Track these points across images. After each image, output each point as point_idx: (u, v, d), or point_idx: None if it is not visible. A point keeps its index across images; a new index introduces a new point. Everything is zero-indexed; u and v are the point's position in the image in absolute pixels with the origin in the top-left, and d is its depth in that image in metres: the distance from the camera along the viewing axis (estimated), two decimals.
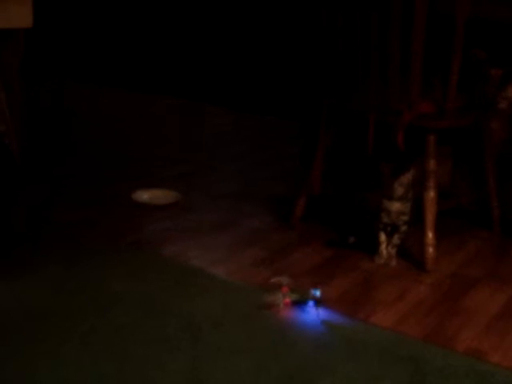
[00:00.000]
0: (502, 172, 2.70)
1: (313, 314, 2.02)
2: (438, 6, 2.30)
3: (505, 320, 2.07)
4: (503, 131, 2.68)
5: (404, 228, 2.40)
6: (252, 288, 2.17)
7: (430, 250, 2.39)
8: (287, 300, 2.05)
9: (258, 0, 4.56)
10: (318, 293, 2.05)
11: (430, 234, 2.39)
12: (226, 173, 3.39)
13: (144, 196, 2.92)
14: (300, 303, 2.05)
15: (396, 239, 2.42)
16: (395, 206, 2.36)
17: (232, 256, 2.42)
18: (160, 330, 1.87)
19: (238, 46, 4.73)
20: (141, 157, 3.58)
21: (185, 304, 2.03)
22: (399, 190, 2.33)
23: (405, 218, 2.38)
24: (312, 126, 2.90)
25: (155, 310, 1.99)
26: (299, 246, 2.54)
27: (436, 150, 2.38)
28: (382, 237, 2.42)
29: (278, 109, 4.53)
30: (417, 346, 1.89)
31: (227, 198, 3.01)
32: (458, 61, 2.32)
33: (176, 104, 4.92)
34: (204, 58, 4.93)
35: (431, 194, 2.38)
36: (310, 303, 2.04)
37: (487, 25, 2.57)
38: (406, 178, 2.33)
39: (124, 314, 1.95)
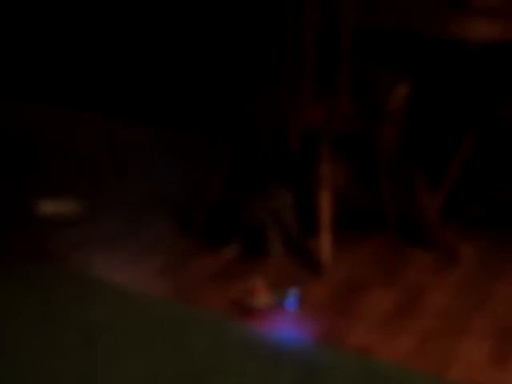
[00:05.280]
0: (396, 175, 2.74)
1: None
2: (328, 16, 2.34)
3: (395, 319, 2.13)
4: (394, 138, 2.74)
5: (288, 222, 2.48)
6: (152, 297, 2.18)
7: (326, 251, 2.38)
8: (266, 302, 2.09)
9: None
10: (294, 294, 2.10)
11: (326, 236, 2.38)
12: (133, 183, 3.25)
13: (45, 208, 2.79)
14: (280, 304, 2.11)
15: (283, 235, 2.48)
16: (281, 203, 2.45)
17: (134, 266, 2.40)
18: (56, 339, 1.88)
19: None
20: (42, 168, 3.37)
21: (84, 314, 2.03)
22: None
23: (288, 214, 2.46)
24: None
25: (53, 321, 1.98)
26: (198, 253, 2.53)
27: (329, 155, 2.44)
28: (272, 233, 2.47)
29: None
30: (307, 347, 1.92)
31: (133, 208, 2.92)
32: (346, 68, 2.35)
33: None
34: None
35: (325, 197, 2.38)
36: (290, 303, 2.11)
37: (376, 34, 2.68)
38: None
39: (20, 326, 1.95)
